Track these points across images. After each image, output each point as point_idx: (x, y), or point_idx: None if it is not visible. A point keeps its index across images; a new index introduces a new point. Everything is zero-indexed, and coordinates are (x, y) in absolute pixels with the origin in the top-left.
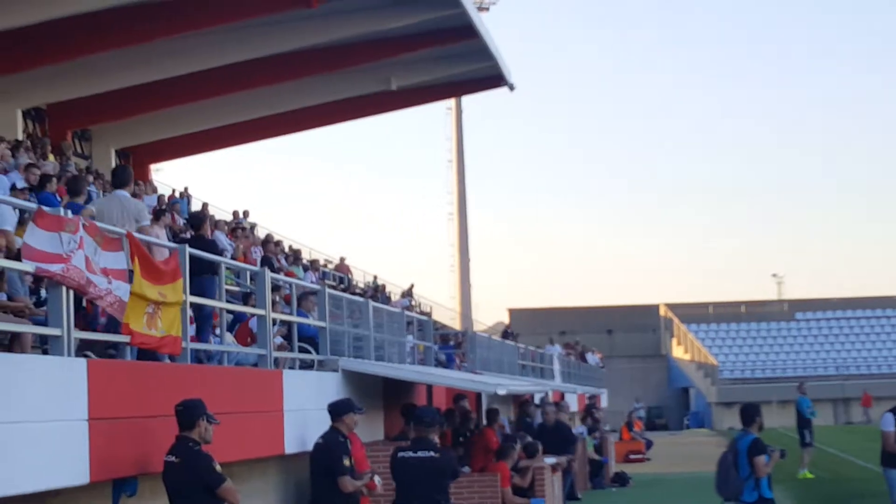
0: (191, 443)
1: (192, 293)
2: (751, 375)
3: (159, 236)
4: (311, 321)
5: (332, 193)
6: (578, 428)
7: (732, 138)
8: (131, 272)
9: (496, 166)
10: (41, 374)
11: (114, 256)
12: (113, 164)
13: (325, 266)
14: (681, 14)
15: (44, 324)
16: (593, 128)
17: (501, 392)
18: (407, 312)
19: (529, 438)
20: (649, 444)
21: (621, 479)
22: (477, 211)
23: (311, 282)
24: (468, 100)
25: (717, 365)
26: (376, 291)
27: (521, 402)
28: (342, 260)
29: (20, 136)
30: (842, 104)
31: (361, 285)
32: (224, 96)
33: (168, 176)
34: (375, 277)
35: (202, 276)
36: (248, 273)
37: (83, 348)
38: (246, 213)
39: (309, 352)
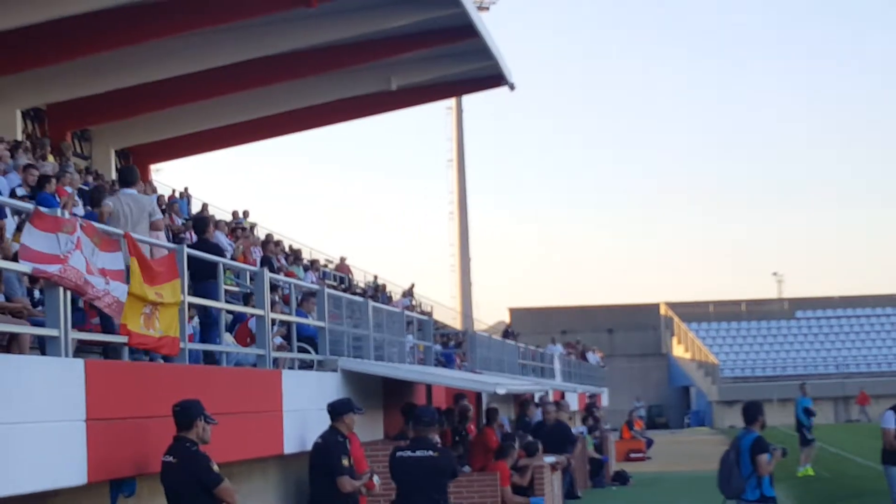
0: (188, 443)
1: (197, 297)
2: (751, 374)
3: (159, 237)
4: (310, 321)
5: (333, 193)
6: (579, 427)
7: (733, 137)
8: (129, 270)
9: (497, 166)
10: (39, 374)
11: (111, 257)
12: (113, 165)
13: (326, 266)
14: (680, 12)
15: (42, 325)
16: (594, 127)
17: (501, 391)
18: (407, 312)
19: (530, 438)
20: (650, 443)
21: (621, 478)
22: (478, 210)
23: (311, 282)
24: (468, 99)
25: (718, 363)
26: (376, 291)
27: (521, 402)
28: (343, 260)
29: (20, 137)
30: (842, 103)
31: (362, 285)
32: (224, 96)
33: (168, 176)
34: (376, 277)
35: (208, 281)
36: (248, 273)
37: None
38: (246, 214)
39: (308, 352)
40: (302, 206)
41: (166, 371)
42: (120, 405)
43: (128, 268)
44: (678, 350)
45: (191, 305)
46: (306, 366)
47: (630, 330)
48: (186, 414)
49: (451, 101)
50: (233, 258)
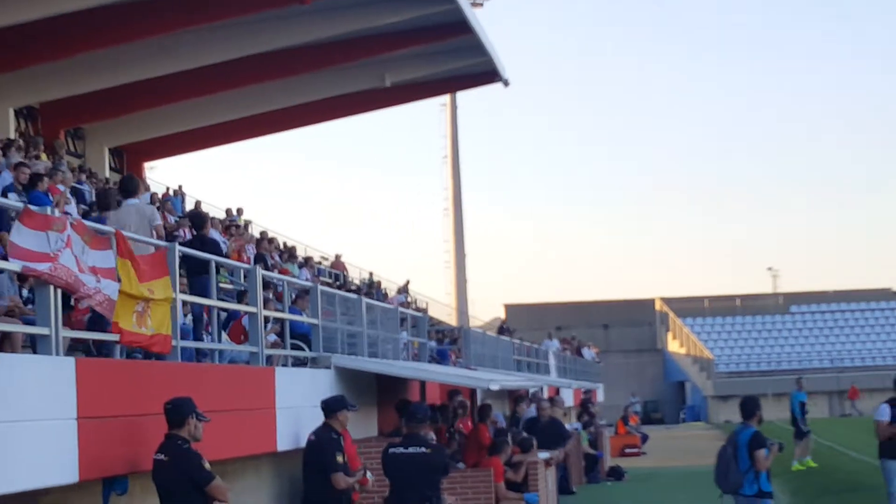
0: (180, 441)
1: (194, 292)
2: (746, 369)
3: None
4: (303, 318)
5: (328, 191)
6: (573, 423)
7: (728, 133)
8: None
9: (491, 162)
10: (30, 373)
11: (102, 255)
12: (107, 163)
13: (320, 263)
14: (675, 8)
15: (33, 323)
16: (588, 123)
17: (494, 387)
18: (401, 309)
19: (524, 433)
20: (645, 439)
21: (616, 474)
22: (473, 207)
23: (306, 279)
24: (463, 96)
25: (713, 358)
26: (371, 288)
27: (515, 398)
28: (338, 257)
29: (13, 135)
30: (838, 98)
31: (357, 282)
32: (218, 94)
33: (162, 174)
34: (371, 274)
35: (203, 276)
36: (242, 271)
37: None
38: (240, 211)
39: (302, 349)
40: (297, 203)
41: (158, 369)
42: (111, 403)
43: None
44: (673, 345)
45: (185, 301)
46: (300, 363)
47: (625, 325)
48: (178, 412)
49: (446, 98)
50: (226, 255)
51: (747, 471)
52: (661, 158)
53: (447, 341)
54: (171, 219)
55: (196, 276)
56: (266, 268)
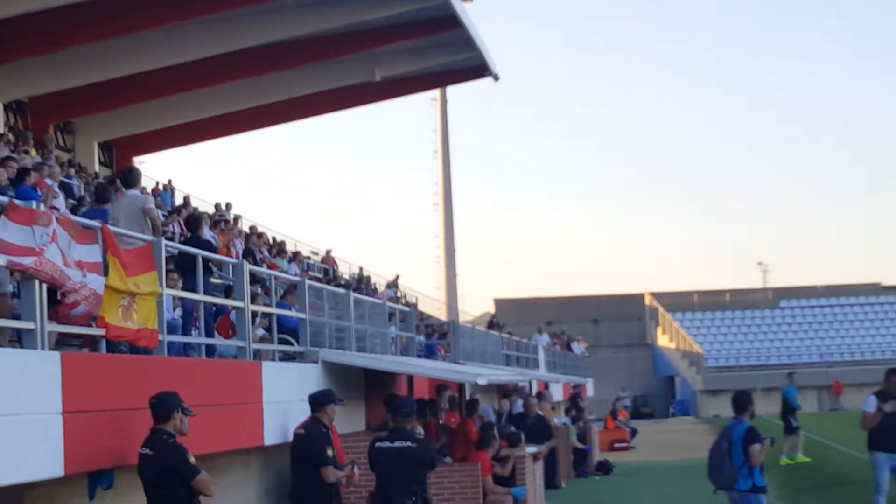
0: (165, 435)
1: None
2: (735, 363)
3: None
4: (290, 313)
5: (318, 185)
6: (562, 418)
7: (718, 128)
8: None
9: (482, 156)
10: (15, 367)
11: (88, 249)
12: (96, 157)
13: (309, 258)
14: (663, 2)
15: (19, 317)
16: (577, 117)
17: (482, 382)
18: (390, 304)
19: (512, 428)
20: (634, 433)
21: (605, 468)
22: (463, 201)
23: (294, 274)
24: (453, 90)
25: (703, 353)
26: (360, 283)
27: (504, 392)
28: (328, 252)
29: (1, 130)
30: (826, 95)
31: (346, 277)
32: (207, 88)
33: (152, 168)
34: (361, 269)
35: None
36: (230, 265)
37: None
38: (228, 206)
39: (291, 344)
40: (287, 198)
41: (144, 363)
42: (97, 397)
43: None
44: (663, 340)
45: (175, 297)
46: (288, 358)
47: (615, 320)
48: (163, 406)
49: (436, 92)
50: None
51: (742, 466)
52: (651, 153)
53: (436, 336)
54: (161, 213)
55: (191, 274)
56: (255, 263)
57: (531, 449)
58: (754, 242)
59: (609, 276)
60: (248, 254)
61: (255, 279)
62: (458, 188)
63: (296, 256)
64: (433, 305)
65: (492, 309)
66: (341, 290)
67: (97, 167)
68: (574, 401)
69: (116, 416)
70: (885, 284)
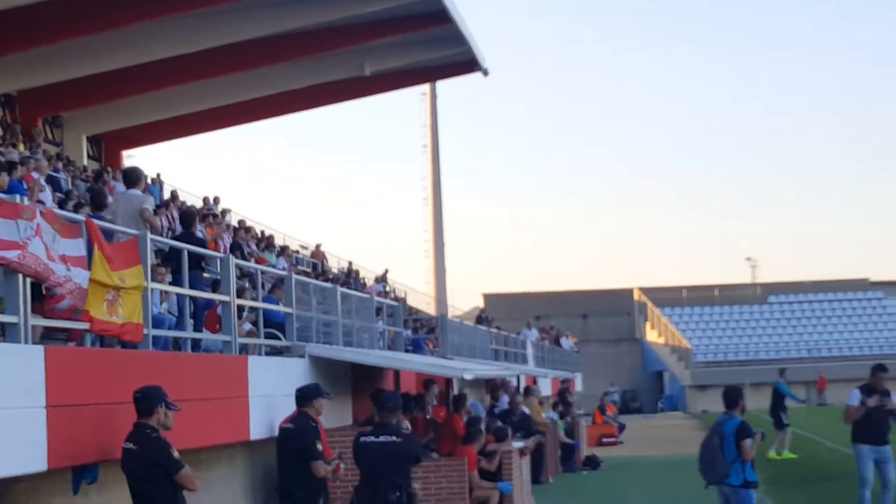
0: (149, 430)
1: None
2: (724, 359)
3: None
4: (277, 307)
5: (307, 180)
6: (549, 413)
7: (707, 122)
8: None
9: (471, 151)
10: None
11: (72, 244)
12: (84, 151)
13: (297, 252)
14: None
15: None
16: (567, 112)
17: (468, 377)
18: (377, 298)
19: (499, 423)
20: (622, 428)
21: (593, 463)
22: (452, 196)
23: (282, 268)
24: (443, 85)
25: (691, 348)
26: (348, 277)
27: (492, 387)
28: (318, 246)
29: None
30: (814, 89)
31: (335, 271)
32: (197, 82)
33: (141, 162)
34: (350, 263)
35: (191, 272)
36: (217, 259)
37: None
38: (216, 200)
39: (278, 338)
40: (277, 192)
41: (129, 357)
42: (81, 392)
43: (90, 253)
44: (652, 335)
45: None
46: (275, 352)
47: (604, 315)
48: (147, 400)
49: (426, 87)
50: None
51: (733, 461)
52: (641, 148)
53: (424, 330)
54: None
55: (180, 272)
56: (242, 257)
57: (518, 444)
58: (743, 238)
59: (598, 271)
60: (236, 248)
61: (242, 273)
62: (448, 183)
63: (284, 251)
64: (422, 300)
65: (481, 304)
66: (328, 285)
67: (86, 161)
68: (562, 396)
69: (101, 410)
70: (872, 280)
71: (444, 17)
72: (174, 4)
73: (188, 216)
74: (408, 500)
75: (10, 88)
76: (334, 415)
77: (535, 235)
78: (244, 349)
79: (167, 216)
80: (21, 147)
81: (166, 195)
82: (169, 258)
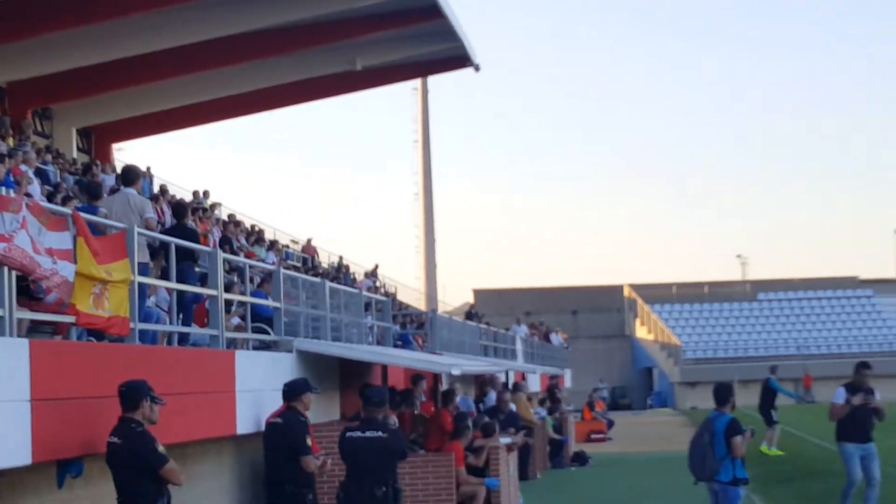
0: (133, 424)
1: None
2: (713, 356)
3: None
4: (264, 302)
5: (299, 174)
6: (537, 409)
7: (698, 120)
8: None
9: (463, 146)
10: None
11: (58, 237)
12: (74, 144)
13: (288, 247)
14: None
15: None
16: (559, 108)
17: (456, 372)
18: (366, 293)
19: (487, 418)
20: (611, 424)
21: (581, 459)
22: (445, 191)
23: (272, 262)
24: (435, 80)
25: (681, 345)
26: (338, 272)
27: (481, 383)
28: (309, 241)
29: None
30: (805, 88)
31: (326, 266)
32: (188, 75)
33: (131, 155)
34: (341, 258)
35: (182, 263)
36: (206, 254)
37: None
38: (206, 194)
39: (267, 332)
40: (268, 187)
41: (115, 351)
42: (67, 385)
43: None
44: (641, 332)
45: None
46: (264, 347)
47: (594, 311)
48: (132, 394)
49: (417, 82)
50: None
51: (723, 457)
52: (632, 145)
53: (413, 326)
54: None
55: (178, 262)
56: (232, 251)
57: (505, 440)
58: (734, 235)
59: (588, 267)
60: (226, 242)
61: (231, 268)
62: (440, 178)
63: (273, 245)
64: (412, 295)
65: (472, 299)
66: (317, 280)
67: (75, 153)
68: (551, 392)
69: (86, 404)
70: (861, 278)
71: (435, 12)
72: None
73: (181, 208)
74: (394, 495)
75: (0, 80)
76: (322, 410)
77: (526, 232)
78: (232, 343)
79: (157, 210)
80: (10, 140)
81: (156, 189)
82: (159, 251)
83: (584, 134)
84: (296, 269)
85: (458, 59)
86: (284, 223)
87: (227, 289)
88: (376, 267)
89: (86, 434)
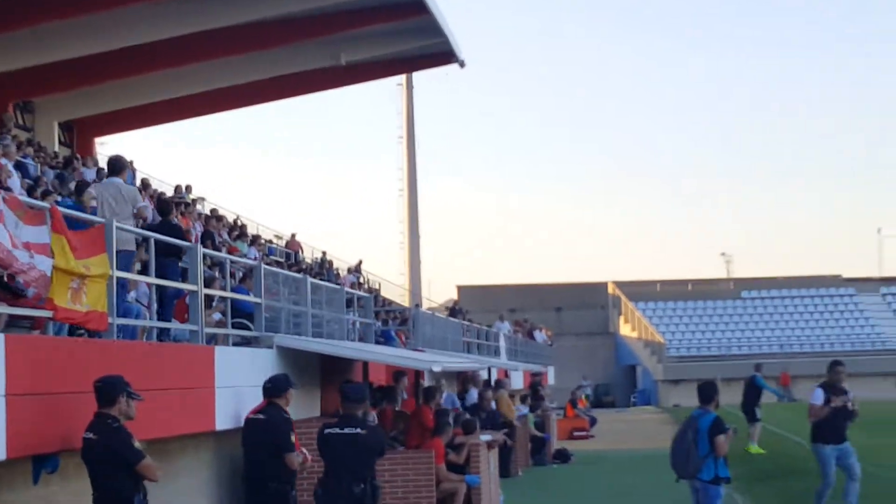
0: (110, 419)
1: (161, 276)
2: (697, 353)
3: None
4: (245, 297)
5: (282, 169)
6: (519, 407)
7: (683, 119)
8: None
9: (449, 142)
10: None
11: (36, 231)
12: (56, 137)
13: (272, 242)
14: None
15: None
16: (543, 107)
17: (437, 369)
18: (349, 290)
19: (467, 415)
20: (593, 422)
21: (563, 456)
22: (429, 188)
23: (253, 258)
24: (420, 75)
25: (664, 343)
26: (322, 268)
27: (463, 380)
28: (293, 236)
29: None
30: (789, 85)
31: (309, 261)
32: (171, 69)
33: (113, 149)
34: (324, 254)
35: (167, 259)
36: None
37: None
38: (189, 188)
39: (248, 328)
40: (253, 182)
41: (92, 346)
42: (42, 380)
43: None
44: (625, 329)
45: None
46: (245, 342)
47: (578, 309)
48: (108, 390)
49: (402, 78)
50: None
51: (706, 456)
52: (618, 143)
53: (396, 322)
54: None
55: (163, 258)
56: (214, 246)
57: (486, 437)
58: (718, 233)
59: (573, 264)
60: (208, 237)
61: (213, 263)
62: (425, 174)
63: (255, 240)
64: (397, 292)
65: (455, 296)
66: (299, 275)
67: (57, 147)
68: (534, 389)
69: (62, 399)
70: (845, 276)
71: (421, 8)
72: None
73: (166, 205)
74: (372, 492)
75: None
76: (302, 406)
77: (512, 229)
78: (213, 339)
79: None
80: None
81: (138, 183)
82: (141, 245)
83: (571, 132)
84: (279, 264)
85: (443, 55)
86: (270, 219)
87: (207, 284)
88: (360, 263)
89: (62, 429)
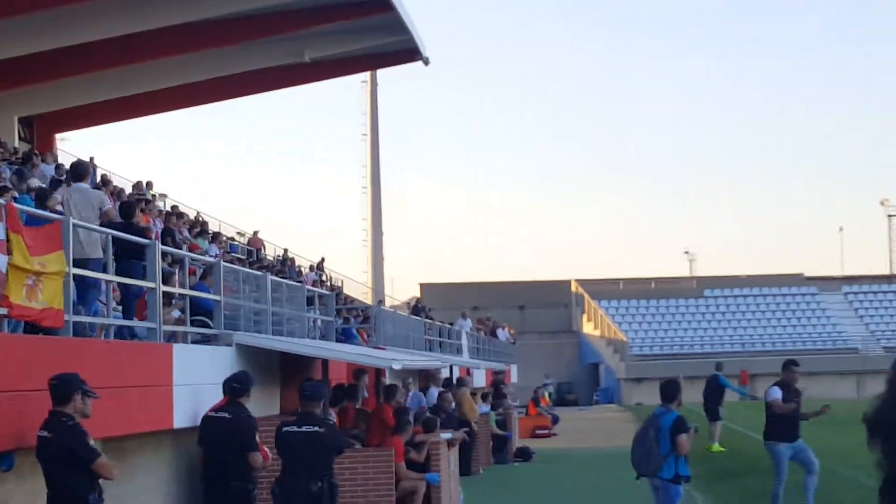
0: (64, 417)
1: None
2: (660, 351)
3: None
4: (204, 294)
5: (245, 167)
6: (480, 405)
7: (645, 116)
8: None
9: (411, 140)
10: None
11: None
12: (16, 133)
13: (233, 240)
14: None
15: None
16: (506, 105)
17: (397, 367)
18: (309, 287)
19: (428, 413)
20: (556, 420)
21: (524, 455)
22: (392, 185)
23: (215, 255)
24: (385, 73)
25: (627, 341)
26: (283, 265)
27: (425, 377)
28: (255, 234)
29: None
30: (754, 87)
31: (271, 258)
32: (133, 65)
33: (74, 145)
34: (286, 251)
35: (130, 261)
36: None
37: None
38: (149, 185)
39: (207, 325)
40: (215, 179)
41: (48, 344)
42: None
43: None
44: (588, 327)
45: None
46: (204, 340)
47: (541, 307)
48: (63, 388)
49: (366, 75)
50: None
51: (668, 454)
52: (580, 141)
53: (358, 320)
54: None
55: (125, 261)
56: (174, 243)
57: (446, 435)
58: (681, 231)
59: (536, 262)
60: (168, 234)
61: (174, 260)
62: (389, 172)
63: (217, 237)
64: (359, 289)
65: (418, 294)
66: (259, 273)
67: (17, 143)
68: (496, 387)
69: (17, 397)
70: (807, 275)
71: (385, 5)
72: None
73: (129, 207)
74: (329, 490)
75: None
76: (262, 404)
77: (475, 227)
78: (171, 337)
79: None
80: None
81: (98, 179)
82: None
83: (535, 130)
84: (240, 261)
85: (408, 52)
86: (232, 216)
87: (166, 281)
88: (322, 260)
89: (16, 427)
